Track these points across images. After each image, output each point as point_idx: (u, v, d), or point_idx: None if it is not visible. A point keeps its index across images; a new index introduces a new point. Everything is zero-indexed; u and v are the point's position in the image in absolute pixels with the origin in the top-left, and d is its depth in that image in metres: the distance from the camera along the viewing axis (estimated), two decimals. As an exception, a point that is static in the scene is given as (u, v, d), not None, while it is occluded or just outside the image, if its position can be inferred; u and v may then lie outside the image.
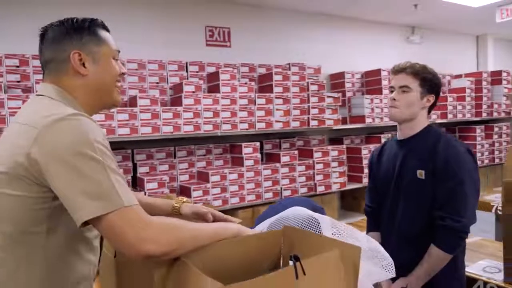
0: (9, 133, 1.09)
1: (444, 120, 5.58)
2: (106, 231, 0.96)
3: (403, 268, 1.83)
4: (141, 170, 3.82)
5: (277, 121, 4.19)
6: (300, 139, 4.77)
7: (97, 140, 0.99)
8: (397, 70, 1.80)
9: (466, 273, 1.94)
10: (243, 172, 4.01)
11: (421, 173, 1.73)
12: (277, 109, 4.20)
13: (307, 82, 4.40)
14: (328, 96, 4.51)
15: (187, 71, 4.12)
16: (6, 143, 1.05)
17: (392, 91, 1.80)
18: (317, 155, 4.44)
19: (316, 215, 1.20)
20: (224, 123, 3.89)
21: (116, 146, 3.71)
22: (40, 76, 3.40)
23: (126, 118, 3.46)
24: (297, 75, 4.36)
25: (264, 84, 4.38)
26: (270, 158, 4.44)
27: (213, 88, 4.04)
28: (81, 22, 1.17)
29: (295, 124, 4.30)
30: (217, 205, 3.85)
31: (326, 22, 5.33)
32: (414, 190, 1.75)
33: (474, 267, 2.15)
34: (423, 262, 1.70)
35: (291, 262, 0.85)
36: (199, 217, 1.40)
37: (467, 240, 2.34)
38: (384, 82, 5.03)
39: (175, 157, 4.02)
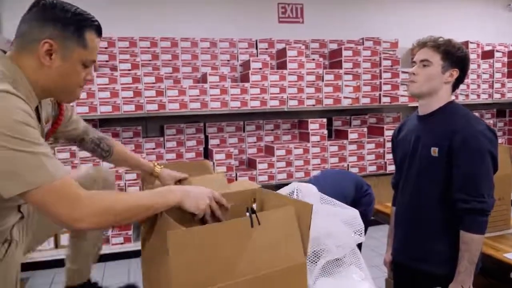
0: None
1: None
2: (38, 206, 1.00)
3: (406, 244, 1.83)
4: (212, 142, 4.10)
5: (345, 98, 4.16)
6: (372, 116, 4.67)
7: (15, 119, 0.96)
8: (419, 45, 1.74)
9: (506, 259, 1.85)
10: (309, 148, 4.08)
11: (434, 151, 1.66)
12: (346, 85, 4.16)
13: (380, 57, 4.26)
14: (403, 72, 4.32)
15: (257, 48, 4.26)
16: None
17: (413, 66, 1.75)
18: (388, 133, 4.31)
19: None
20: (290, 99, 3.98)
21: (188, 120, 4.03)
22: (125, 56, 3.82)
23: (197, 93, 3.74)
24: (369, 50, 4.25)
25: (334, 60, 4.35)
26: (338, 134, 4.44)
27: (281, 65, 4.13)
28: (76, 16, 1.12)
29: (365, 101, 4.22)
30: (282, 178, 4.00)
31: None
32: (427, 167, 1.70)
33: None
34: (462, 254, 1.65)
35: (247, 214, 0.97)
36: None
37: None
38: (472, 56, 4.65)
39: (244, 131, 4.23)
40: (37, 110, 1.17)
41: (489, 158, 1.61)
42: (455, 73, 1.71)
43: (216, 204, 1.15)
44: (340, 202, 1.45)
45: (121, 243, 3.58)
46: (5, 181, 0.96)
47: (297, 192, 1.35)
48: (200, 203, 1.12)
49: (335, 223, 1.20)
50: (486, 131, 1.63)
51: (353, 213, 1.18)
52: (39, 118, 1.20)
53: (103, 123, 3.85)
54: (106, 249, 3.59)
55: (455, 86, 1.75)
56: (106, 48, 3.84)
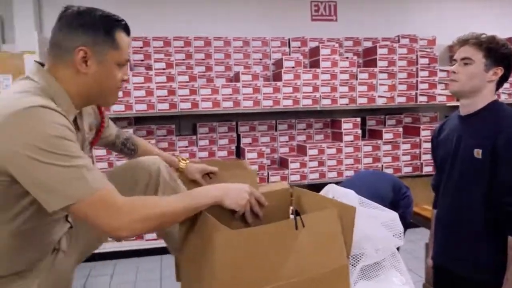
0: None
1: None
2: (80, 218, 1.01)
3: (448, 246, 1.77)
4: (244, 141, 4.10)
5: (380, 96, 4.07)
6: (408, 116, 4.55)
7: (51, 134, 0.97)
8: (460, 42, 1.67)
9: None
10: (342, 147, 4.02)
11: (478, 152, 1.59)
12: (380, 84, 4.07)
13: (416, 55, 4.15)
14: (441, 70, 4.19)
15: (289, 47, 4.23)
16: None
17: (454, 65, 1.68)
18: (425, 133, 4.19)
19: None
20: (323, 98, 3.93)
21: (221, 118, 4.05)
22: (159, 56, 3.87)
23: (230, 92, 3.75)
24: (405, 47, 4.14)
25: (368, 58, 4.27)
26: (372, 134, 4.35)
27: (314, 63, 4.08)
28: (103, 19, 1.14)
29: (400, 100, 4.12)
30: (314, 178, 3.96)
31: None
32: (470, 170, 1.63)
33: None
34: (510, 260, 1.58)
35: (292, 216, 0.96)
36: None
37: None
38: (514, 53, 4.44)
39: (276, 130, 4.21)
40: (75, 121, 1.18)
41: None
42: (499, 71, 1.64)
43: (255, 200, 1.14)
44: (378, 204, 1.41)
45: (154, 239, 3.63)
46: (45, 195, 0.97)
47: (333, 195, 1.32)
48: (240, 200, 1.11)
49: (374, 226, 1.17)
50: None
51: (393, 216, 1.15)
52: (78, 128, 1.21)
53: (137, 121, 3.92)
54: (139, 245, 3.66)
55: (499, 84, 1.68)
56: (141, 47, 3.91)
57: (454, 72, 1.67)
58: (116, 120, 3.57)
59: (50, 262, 1.20)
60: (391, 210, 1.17)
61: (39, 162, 0.95)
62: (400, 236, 1.12)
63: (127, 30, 1.18)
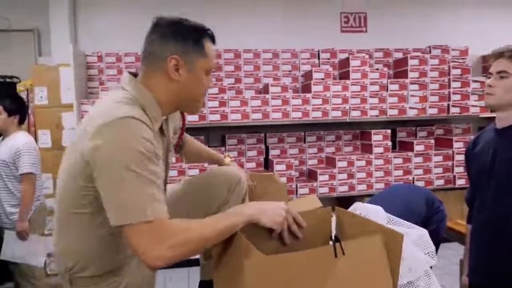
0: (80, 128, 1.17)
1: None
2: (125, 238, 1.03)
3: (484, 263, 1.70)
4: (273, 152, 4.11)
5: (411, 108, 4.00)
6: (440, 128, 4.45)
7: (137, 149, 1.02)
8: (495, 55, 1.64)
9: None
10: (372, 159, 3.97)
11: None
12: (411, 95, 4.01)
13: (448, 66, 4.07)
14: (474, 81, 4.09)
15: (319, 58, 4.23)
16: (75, 142, 1.17)
17: (489, 78, 1.65)
18: (457, 145, 4.09)
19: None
20: (353, 110, 3.90)
21: (250, 130, 4.08)
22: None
23: (259, 104, 3.78)
24: (437, 58, 4.07)
25: (399, 69, 4.22)
26: (403, 146, 4.27)
27: (344, 75, 4.07)
28: (192, 29, 1.19)
29: (432, 111, 4.04)
30: (343, 191, 3.92)
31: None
32: (507, 183, 1.58)
33: None
34: None
35: (331, 242, 0.93)
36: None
37: None
38: (553, 63, 4.29)
39: (305, 142, 4.20)
40: (161, 127, 1.23)
41: None
42: None
43: (292, 219, 1.13)
44: (407, 222, 1.39)
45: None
46: (110, 210, 1.02)
47: (360, 213, 1.31)
48: (276, 217, 1.09)
49: (406, 245, 1.15)
50: None
51: (422, 233, 1.12)
52: (164, 134, 1.27)
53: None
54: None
55: None
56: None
57: (490, 86, 1.64)
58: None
59: (136, 264, 1.23)
60: (420, 227, 1.15)
61: (119, 176, 1.00)
62: (432, 255, 1.10)
63: (213, 39, 1.24)
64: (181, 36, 1.16)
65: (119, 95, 1.16)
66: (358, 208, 1.30)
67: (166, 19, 1.20)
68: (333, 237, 0.94)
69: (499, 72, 1.63)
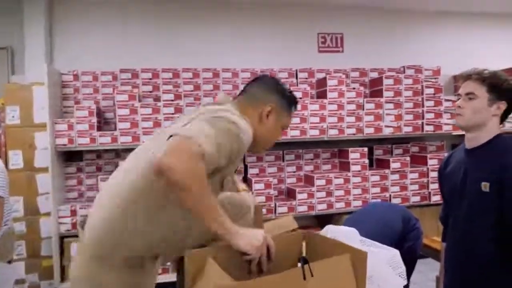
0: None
1: None
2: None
3: (458, 281, 1.74)
4: (251, 171, 4.10)
5: (387, 126, 4.08)
6: (415, 145, 4.55)
7: (235, 132, 1.25)
8: (464, 77, 1.70)
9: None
10: (349, 177, 4.01)
11: (485, 186, 1.59)
12: (387, 114, 4.10)
13: (422, 85, 4.19)
14: (446, 100, 4.21)
15: (296, 78, 4.29)
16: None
17: (459, 99, 1.71)
18: (432, 162, 4.18)
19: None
20: (330, 128, 3.95)
21: (229, 148, 4.05)
22: (168, 87, 3.94)
23: (237, 123, 3.77)
24: (411, 78, 4.18)
25: (375, 88, 4.31)
26: (380, 164, 4.34)
27: (321, 94, 4.13)
28: (290, 94, 1.55)
29: (407, 129, 4.13)
30: (322, 209, 3.93)
31: (445, 20, 4.99)
32: (478, 203, 1.63)
33: None
34: None
35: (299, 264, 0.93)
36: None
37: None
38: (520, 83, 4.48)
39: (283, 160, 4.21)
40: None
41: None
42: (503, 105, 1.66)
43: (266, 249, 1.17)
44: (378, 243, 1.41)
45: (159, 274, 3.59)
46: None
47: (332, 235, 1.32)
48: (255, 243, 1.14)
49: (376, 264, 1.16)
50: None
51: (393, 253, 1.14)
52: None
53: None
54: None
55: (503, 118, 1.70)
56: (150, 79, 3.98)
57: (459, 107, 1.70)
58: (126, 150, 3.60)
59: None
60: (391, 248, 1.17)
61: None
62: (403, 275, 1.12)
63: (296, 105, 1.58)
64: (282, 94, 1.51)
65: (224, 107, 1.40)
66: (329, 231, 1.31)
67: (270, 77, 1.61)
68: (301, 260, 0.95)
69: (467, 94, 1.69)
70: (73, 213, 3.53)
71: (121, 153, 3.88)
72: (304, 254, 1.14)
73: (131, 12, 4.13)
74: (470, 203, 1.68)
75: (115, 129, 3.65)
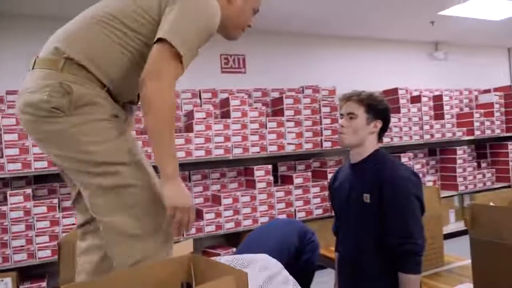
0: None
1: (471, 137, 5.42)
2: (153, 49, 1.27)
3: None
4: (157, 193, 4.00)
5: (289, 144, 4.27)
6: (316, 161, 4.81)
7: (213, 13, 1.34)
8: (345, 99, 1.87)
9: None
10: (255, 195, 4.10)
11: (366, 197, 1.75)
12: (288, 132, 4.29)
13: (319, 104, 4.46)
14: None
15: (200, 98, 4.32)
16: None
17: (342, 118, 1.87)
18: (331, 176, 4.42)
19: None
20: (235, 147, 4.03)
21: (132, 171, 3.93)
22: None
23: (139, 145, 3.67)
24: (309, 97, 4.44)
25: (276, 108, 4.50)
26: (284, 180, 4.51)
27: (225, 114, 4.20)
28: None
29: (308, 146, 4.36)
30: (229, 228, 3.96)
31: (339, 44, 5.43)
32: (362, 214, 1.78)
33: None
34: None
35: None
36: None
37: (457, 263, 2.32)
38: (402, 101, 4.98)
39: (190, 181, 4.19)
40: None
41: (416, 202, 1.72)
42: (379, 124, 1.84)
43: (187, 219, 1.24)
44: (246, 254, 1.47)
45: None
46: (165, 25, 1.29)
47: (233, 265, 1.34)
48: (179, 204, 1.23)
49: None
50: (411, 176, 1.74)
51: (286, 274, 1.19)
52: None
53: (40, 178, 3.68)
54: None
55: (380, 135, 1.88)
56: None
57: (342, 126, 1.84)
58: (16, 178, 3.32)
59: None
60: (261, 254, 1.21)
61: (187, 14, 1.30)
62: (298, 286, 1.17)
63: None
64: None
65: None
66: (222, 260, 1.33)
67: None
68: (184, 285, 0.95)
69: (348, 114, 1.84)
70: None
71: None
72: (192, 278, 1.13)
73: None
74: (355, 215, 1.82)
75: None
